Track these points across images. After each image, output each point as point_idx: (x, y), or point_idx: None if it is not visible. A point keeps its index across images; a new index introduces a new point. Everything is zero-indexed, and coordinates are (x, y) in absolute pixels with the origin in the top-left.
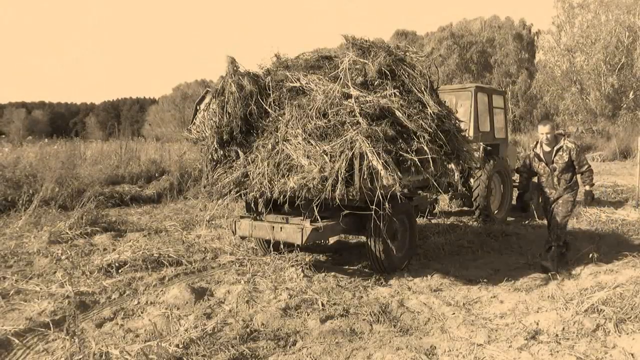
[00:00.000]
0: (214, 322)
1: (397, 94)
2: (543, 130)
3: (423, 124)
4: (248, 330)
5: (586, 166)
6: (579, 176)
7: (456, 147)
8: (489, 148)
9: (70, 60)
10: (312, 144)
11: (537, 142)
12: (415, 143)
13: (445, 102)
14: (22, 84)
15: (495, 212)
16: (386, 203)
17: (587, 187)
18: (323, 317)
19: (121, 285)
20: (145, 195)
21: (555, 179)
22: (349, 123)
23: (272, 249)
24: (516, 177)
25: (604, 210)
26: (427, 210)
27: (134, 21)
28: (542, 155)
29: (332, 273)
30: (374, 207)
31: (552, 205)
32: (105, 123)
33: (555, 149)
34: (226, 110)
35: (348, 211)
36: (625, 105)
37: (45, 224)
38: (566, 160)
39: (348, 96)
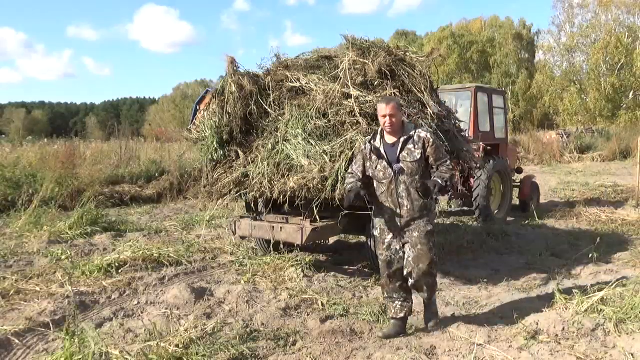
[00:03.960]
0: (214, 322)
1: (397, 94)
2: (384, 111)
3: (423, 124)
4: (248, 330)
5: (447, 165)
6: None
7: (456, 147)
8: (489, 148)
9: (70, 60)
10: (312, 144)
11: (375, 132)
12: None
13: (445, 102)
14: (22, 84)
15: (495, 212)
16: None
17: (436, 178)
18: (323, 317)
19: (121, 285)
20: (145, 195)
21: (402, 188)
22: (349, 123)
23: (272, 249)
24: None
25: (604, 210)
26: None
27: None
28: (382, 150)
29: (332, 273)
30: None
31: (401, 238)
32: (105, 123)
33: (402, 140)
34: (226, 110)
35: (348, 211)
36: (625, 105)
37: (45, 224)
38: (418, 157)
39: (348, 96)
